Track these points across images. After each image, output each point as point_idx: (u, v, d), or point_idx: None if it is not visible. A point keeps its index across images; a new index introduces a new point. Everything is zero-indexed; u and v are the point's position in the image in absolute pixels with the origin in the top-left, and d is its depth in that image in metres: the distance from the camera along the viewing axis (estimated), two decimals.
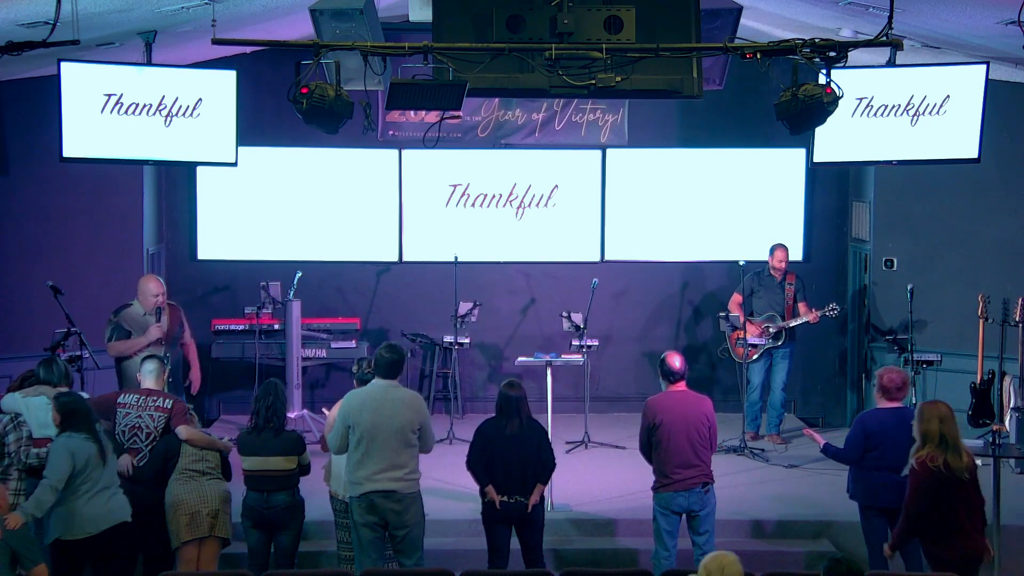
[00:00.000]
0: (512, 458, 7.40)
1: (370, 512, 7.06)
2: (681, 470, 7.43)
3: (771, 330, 10.59)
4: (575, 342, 10.64)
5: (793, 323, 10.63)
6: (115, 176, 10.64)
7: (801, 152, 11.16)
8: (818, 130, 8.35)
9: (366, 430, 7.04)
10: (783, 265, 10.70)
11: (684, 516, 7.57)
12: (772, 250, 10.74)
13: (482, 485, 7.46)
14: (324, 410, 7.96)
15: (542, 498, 7.54)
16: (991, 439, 8.12)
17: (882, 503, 7.41)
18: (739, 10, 7.87)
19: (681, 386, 7.58)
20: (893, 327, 11.02)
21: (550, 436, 7.72)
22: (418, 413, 7.17)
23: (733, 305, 10.92)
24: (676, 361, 7.57)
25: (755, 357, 10.68)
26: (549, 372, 10.02)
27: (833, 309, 10.61)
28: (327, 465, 7.71)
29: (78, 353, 9.44)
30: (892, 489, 7.35)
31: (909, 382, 7.82)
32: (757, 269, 10.77)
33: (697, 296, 12.08)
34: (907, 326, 10.44)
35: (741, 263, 10.70)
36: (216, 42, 7.13)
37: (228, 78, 9.13)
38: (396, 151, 11.82)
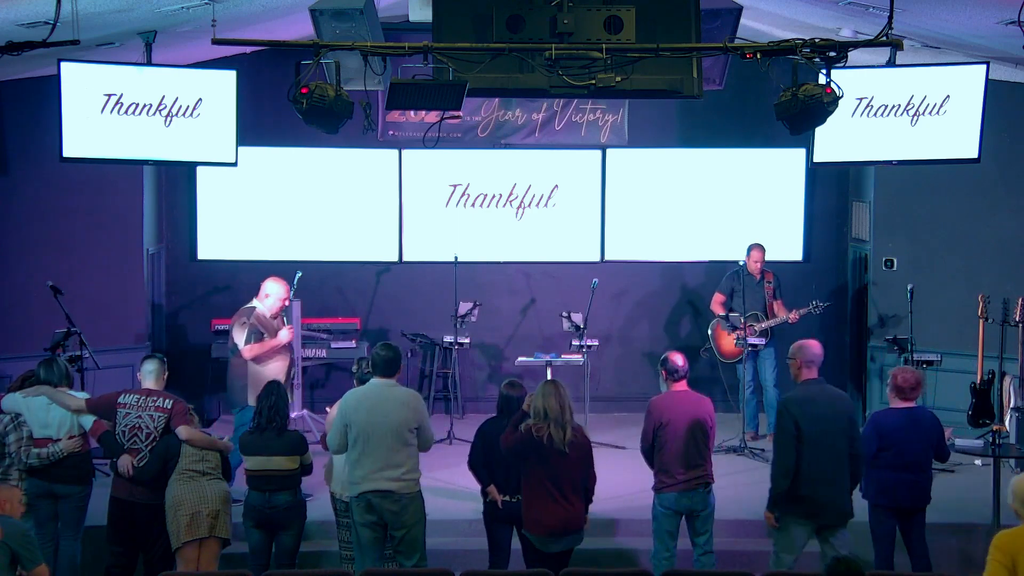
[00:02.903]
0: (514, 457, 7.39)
1: (368, 512, 7.06)
2: (686, 471, 7.43)
3: (756, 329, 10.57)
4: (575, 342, 10.64)
5: (774, 322, 10.62)
6: (115, 176, 10.63)
7: (801, 152, 11.16)
8: (818, 130, 8.36)
9: (362, 429, 7.04)
10: (759, 265, 10.73)
11: (683, 516, 7.57)
12: (748, 250, 10.75)
13: (484, 485, 7.44)
14: (327, 409, 7.97)
15: None
16: (991, 439, 8.12)
17: (894, 502, 7.43)
18: (739, 10, 7.87)
19: (683, 385, 7.58)
20: (893, 327, 11.02)
21: None
22: (415, 412, 7.16)
23: (716, 305, 10.94)
24: (679, 360, 7.59)
25: (738, 357, 10.69)
26: (549, 372, 10.03)
27: (817, 306, 10.61)
28: (328, 465, 7.71)
29: (78, 353, 9.46)
30: (905, 488, 7.39)
31: (923, 382, 7.82)
32: (735, 269, 10.76)
33: (697, 296, 12.08)
34: (907, 326, 10.44)
35: (741, 263, 10.70)
36: (216, 42, 7.12)
37: (228, 78, 9.13)
38: (396, 151, 11.81)
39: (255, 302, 9.20)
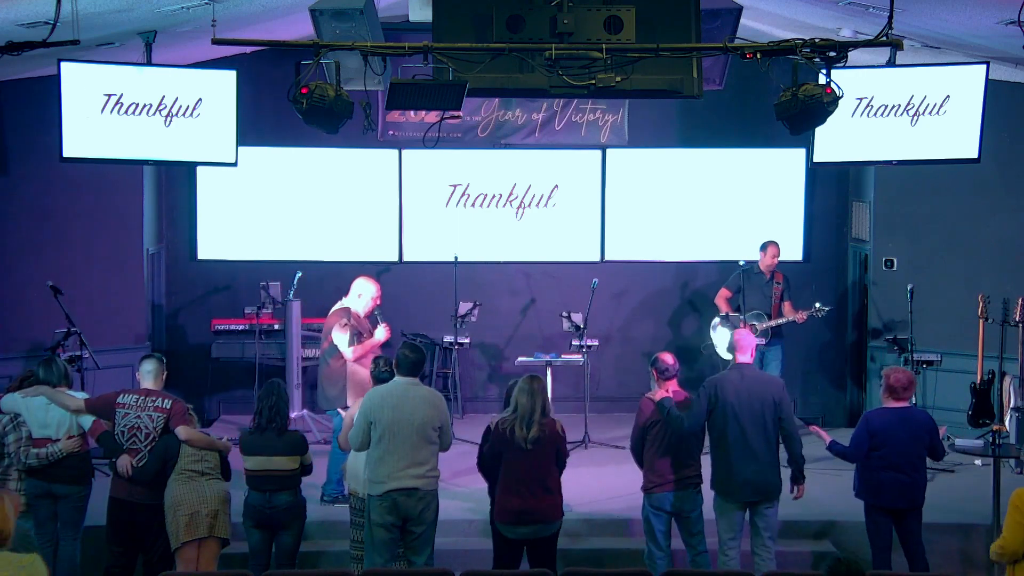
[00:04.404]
0: None
1: (390, 512, 7.05)
2: (676, 470, 7.43)
3: (758, 328, 10.52)
4: (575, 342, 10.64)
5: (779, 322, 10.55)
6: (115, 176, 10.63)
7: (801, 152, 11.16)
8: (818, 130, 8.36)
9: (387, 427, 7.05)
10: (775, 261, 10.60)
11: (673, 518, 7.56)
12: (764, 246, 10.63)
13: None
14: (340, 411, 7.95)
15: None
16: (991, 439, 8.12)
17: (887, 502, 7.42)
18: (739, 10, 7.87)
19: (674, 384, 7.59)
20: (893, 327, 11.01)
21: None
22: (439, 410, 7.19)
23: (720, 300, 10.84)
24: (669, 359, 7.62)
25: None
26: (549, 372, 10.03)
27: (820, 310, 10.53)
28: (344, 464, 7.70)
29: (78, 353, 9.45)
30: (897, 488, 7.38)
31: (915, 382, 7.83)
32: (743, 267, 10.71)
33: (696, 296, 12.08)
34: (907, 326, 10.44)
35: (741, 263, 10.66)
36: (216, 42, 7.12)
37: (228, 78, 9.13)
38: (396, 151, 11.82)
39: (346, 301, 9.15)
